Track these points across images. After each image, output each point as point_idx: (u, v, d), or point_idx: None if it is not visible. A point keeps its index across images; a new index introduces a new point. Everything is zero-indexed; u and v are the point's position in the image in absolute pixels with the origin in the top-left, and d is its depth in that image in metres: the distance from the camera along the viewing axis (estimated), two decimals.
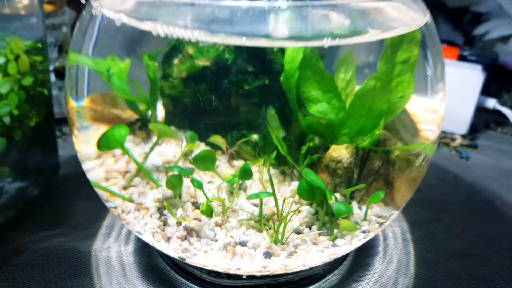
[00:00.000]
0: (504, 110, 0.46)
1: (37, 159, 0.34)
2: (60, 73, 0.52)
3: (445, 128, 0.46)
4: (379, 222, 0.24)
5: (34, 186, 0.34)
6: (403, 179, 0.26)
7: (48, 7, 0.42)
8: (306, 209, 0.25)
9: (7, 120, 0.28)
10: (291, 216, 0.24)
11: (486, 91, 0.53)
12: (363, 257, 0.29)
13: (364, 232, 0.24)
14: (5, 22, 0.28)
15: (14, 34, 0.28)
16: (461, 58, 0.50)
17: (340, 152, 0.27)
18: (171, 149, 0.30)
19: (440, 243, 0.31)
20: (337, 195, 0.25)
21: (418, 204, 0.35)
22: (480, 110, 0.49)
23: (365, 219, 0.25)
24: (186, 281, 0.27)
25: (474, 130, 0.47)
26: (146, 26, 0.19)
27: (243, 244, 0.23)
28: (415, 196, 0.36)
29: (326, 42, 0.19)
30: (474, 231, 0.32)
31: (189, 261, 0.23)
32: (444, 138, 0.44)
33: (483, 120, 0.49)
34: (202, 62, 0.27)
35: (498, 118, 0.49)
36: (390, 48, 0.25)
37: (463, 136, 0.45)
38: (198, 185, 0.24)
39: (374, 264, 0.28)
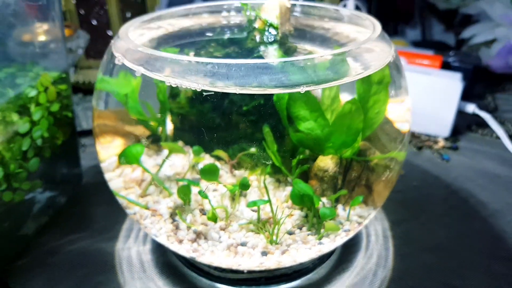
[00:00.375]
0: (483, 114, 0.50)
1: (63, 171, 0.39)
2: (75, 88, 0.57)
3: (429, 132, 0.50)
4: (359, 221, 0.29)
5: (62, 195, 0.39)
6: (381, 182, 0.31)
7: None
8: (298, 213, 0.30)
9: (39, 142, 0.33)
10: (284, 219, 0.28)
11: (471, 93, 0.57)
12: (347, 252, 0.34)
13: (345, 231, 0.28)
14: (35, 57, 0.33)
15: (44, 66, 0.33)
16: (445, 64, 0.54)
17: (326, 163, 0.31)
18: (180, 161, 0.34)
19: (417, 238, 0.35)
20: (324, 199, 0.30)
21: (399, 204, 0.39)
22: (462, 114, 0.53)
23: (348, 219, 0.30)
24: (196, 275, 0.31)
25: (457, 132, 0.51)
26: (160, 78, 0.24)
27: (243, 244, 0.27)
28: (397, 196, 0.40)
29: (303, 89, 0.23)
30: (448, 227, 0.37)
31: (198, 259, 0.28)
32: (428, 141, 0.49)
33: (466, 123, 0.53)
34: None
35: (480, 121, 0.53)
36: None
37: (446, 139, 0.49)
38: (205, 196, 0.28)
39: (357, 258, 0.33)
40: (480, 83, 0.64)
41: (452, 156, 0.47)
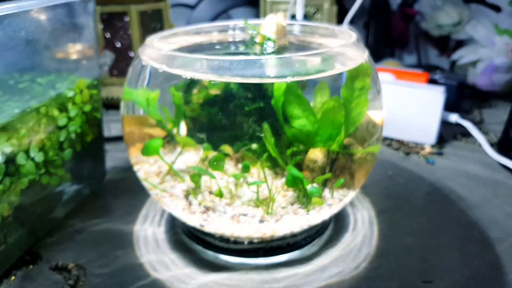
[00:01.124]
0: (464, 123, 0.55)
1: (90, 168, 0.44)
2: None
3: (416, 140, 0.55)
4: (341, 199, 0.34)
5: (87, 188, 0.44)
6: (361, 171, 0.36)
7: None
8: (291, 194, 0.35)
9: (73, 135, 0.39)
10: (278, 195, 0.33)
11: (458, 108, 0.62)
12: (336, 233, 0.38)
13: (328, 205, 0.33)
14: (74, 67, 0.40)
15: (80, 74, 0.39)
16: (432, 81, 0.60)
17: (316, 154, 0.36)
18: (191, 157, 0.40)
19: (399, 224, 0.40)
20: (315, 185, 0.35)
21: (385, 197, 0.44)
22: (448, 124, 0.58)
23: (332, 197, 0.35)
24: (202, 249, 0.36)
25: (443, 141, 0.56)
26: (178, 72, 0.30)
27: (244, 215, 0.32)
28: (384, 191, 0.45)
29: (288, 79, 0.29)
30: (429, 216, 0.41)
31: (207, 228, 0.33)
32: (415, 148, 0.54)
33: (452, 133, 0.58)
34: (214, 91, 0.37)
35: (464, 131, 0.58)
36: (349, 79, 0.35)
37: (432, 146, 0.54)
38: (213, 176, 0.34)
39: (344, 237, 0.37)
40: (468, 99, 0.69)
41: (437, 160, 0.52)
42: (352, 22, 0.86)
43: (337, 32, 0.41)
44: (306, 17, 0.69)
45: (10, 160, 0.32)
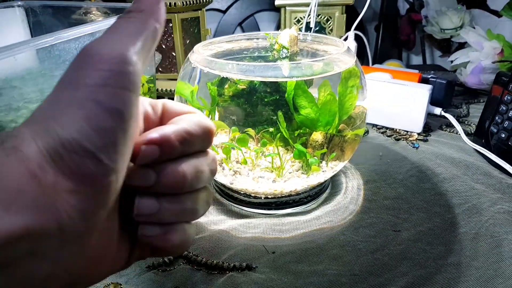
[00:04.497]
0: (448, 115, 0.66)
1: None
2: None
3: (406, 128, 0.66)
4: (332, 167, 0.46)
5: None
6: (349, 148, 0.48)
7: None
8: (297, 164, 0.47)
9: None
10: (286, 164, 0.46)
11: (448, 103, 0.73)
12: (331, 195, 0.50)
13: (323, 171, 0.45)
14: None
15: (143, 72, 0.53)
16: (424, 80, 0.71)
17: (317, 136, 0.48)
18: (223, 137, 0.52)
19: (381, 191, 0.52)
20: (315, 158, 0.47)
21: (373, 172, 0.56)
22: (435, 116, 0.69)
23: (327, 166, 0.47)
24: (230, 203, 0.49)
25: (429, 129, 0.67)
26: (217, 73, 0.42)
27: (262, 177, 0.45)
28: (373, 168, 0.56)
29: (294, 78, 0.41)
30: (406, 187, 0.53)
31: (235, 186, 0.46)
32: (405, 135, 0.65)
33: (438, 123, 0.69)
34: (241, 86, 0.49)
35: (450, 122, 0.69)
36: (344, 79, 0.47)
37: (419, 134, 0.65)
38: (239, 148, 0.46)
39: (336, 198, 0.50)
40: (459, 96, 0.80)
41: (422, 145, 0.63)
42: (364, 25, 0.97)
43: (338, 43, 0.53)
44: (319, 24, 0.81)
45: None
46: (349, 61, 0.46)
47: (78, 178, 0.18)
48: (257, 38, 0.56)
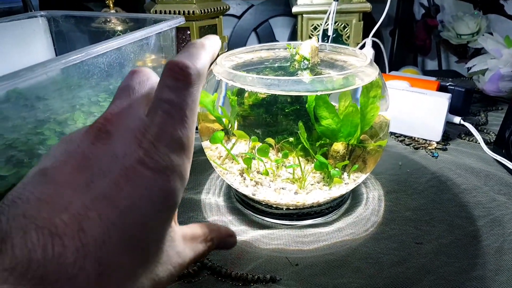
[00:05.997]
0: (467, 124, 0.65)
1: None
2: None
3: (425, 137, 0.66)
4: (354, 179, 0.46)
5: None
6: (372, 159, 0.48)
7: None
8: (318, 175, 0.47)
9: None
10: (308, 176, 0.46)
11: (467, 111, 0.72)
12: (352, 206, 0.50)
13: (346, 183, 0.45)
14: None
15: None
16: (442, 87, 0.70)
17: (338, 147, 0.48)
18: (243, 146, 0.53)
19: (402, 202, 0.51)
20: (336, 169, 0.47)
21: (393, 182, 0.56)
22: (454, 124, 0.68)
23: (349, 178, 0.47)
24: (251, 213, 0.49)
25: (448, 138, 0.66)
26: (241, 86, 0.43)
27: (283, 188, 0.45)
28: (393, 178, 0.56)
29: (318, 93, 0.41)
30: (426, 197, 0.53)
31: (257, 197, 0.46)
32: (424, 144, 0.65)
33: (457, 132, 0.69)
34: (262, 95, 0.50)
35: (469, 131, 0.68)
36: (366, 89, 0.47)
37: (438, 143, 0.65)
38: (261, 159, 0.47)
39: (358, 210, 0.50)
40: (477, 103, 0.79)
41: (441, 154, 0.62)
42: (379, 30, 0.96)
43: (357, 53, 0.53)
44: (336, 31, 0.81)
45: None
46: (373, 73, 0.46)
47: None
48: (278, 49, 0.57)
